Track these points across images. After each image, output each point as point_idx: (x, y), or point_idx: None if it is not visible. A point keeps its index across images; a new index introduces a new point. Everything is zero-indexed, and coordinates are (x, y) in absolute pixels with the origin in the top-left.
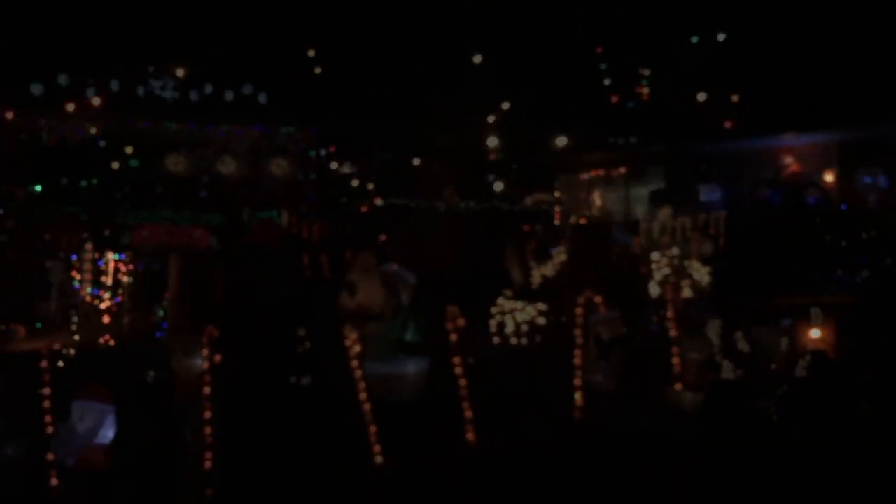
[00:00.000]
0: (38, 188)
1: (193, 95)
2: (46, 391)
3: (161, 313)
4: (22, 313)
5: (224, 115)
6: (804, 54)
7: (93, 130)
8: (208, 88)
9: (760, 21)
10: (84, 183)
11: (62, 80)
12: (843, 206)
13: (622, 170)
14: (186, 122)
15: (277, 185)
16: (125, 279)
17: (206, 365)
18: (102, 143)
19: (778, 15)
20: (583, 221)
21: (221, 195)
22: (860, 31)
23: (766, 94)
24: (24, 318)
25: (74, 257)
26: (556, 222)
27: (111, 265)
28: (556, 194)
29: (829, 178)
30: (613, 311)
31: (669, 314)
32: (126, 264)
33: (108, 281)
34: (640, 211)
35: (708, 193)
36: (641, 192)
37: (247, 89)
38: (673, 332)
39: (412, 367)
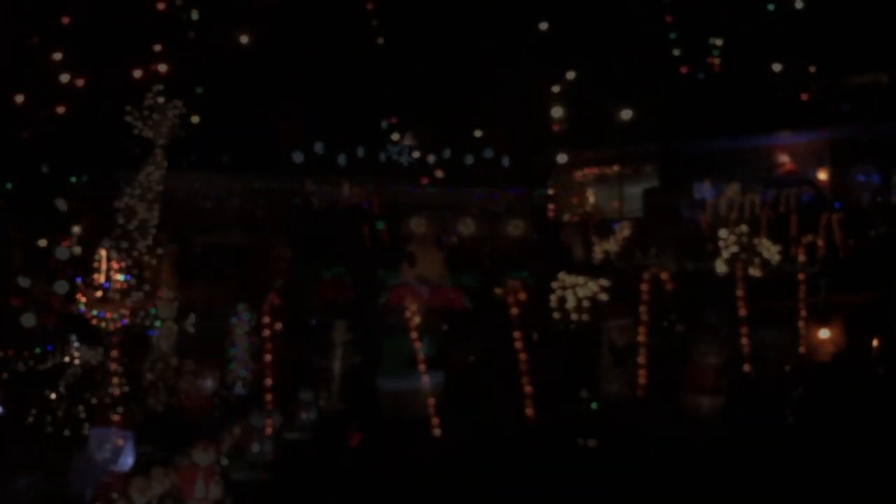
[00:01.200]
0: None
1: (431, 159)
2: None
3: (153, 312)
4: None
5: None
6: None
7: (358, 194)
8: (447, 153)
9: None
10: (345, 244)
11: (318, 148)
12: (836, 204)
13: (616, 168)
14: (445, 187)
15: (513, 245)
16: (117, 276)
17: (266, 332)
18: (367, 207)
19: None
20: (575, 219)
21: (465, 256)
22: (857, 31)
23: (760, 93)
24: None
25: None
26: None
27: (103, 263)
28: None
29: (822, 176)
30: (627, 318)
31: (739, 293)
32: (118, 261)
33: (101, 279)
34: (634, 209)
35: (702, 192)
36: (635, 190)
37: (488, 153)
38: (742, 312)
39: (427, 383)
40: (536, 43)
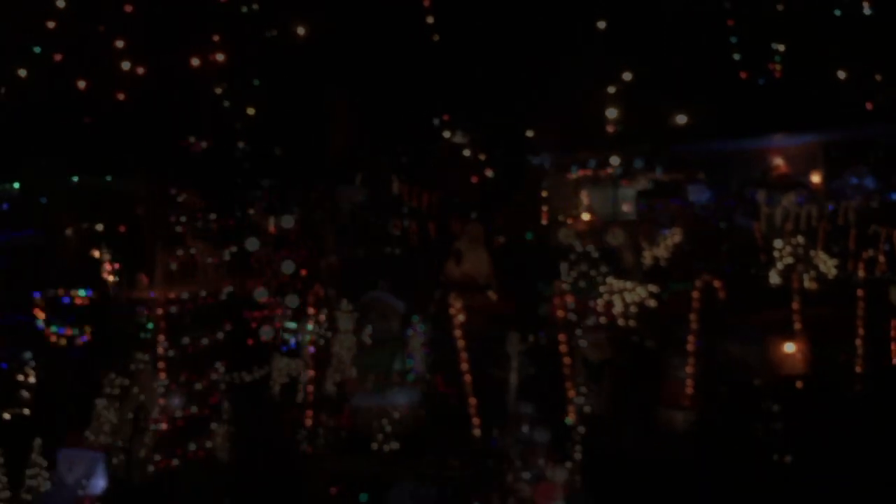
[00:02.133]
0: None
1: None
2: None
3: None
4: None
5: None
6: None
7: None
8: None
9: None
10: None
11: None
12: (829, 207)
13: (610, 170)
14: None
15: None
16: (111, 279)
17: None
18: None
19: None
20: (570, 221)
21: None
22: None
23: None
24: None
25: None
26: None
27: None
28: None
29: (815, 178)
30: (600, 333)
31: (794, 306)
32: (112, 263)
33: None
34: (627, 210)
35: (696, 194)
36: (628, 191)
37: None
38: (797, 325)
39: (403, 399)
40: (595, 42)
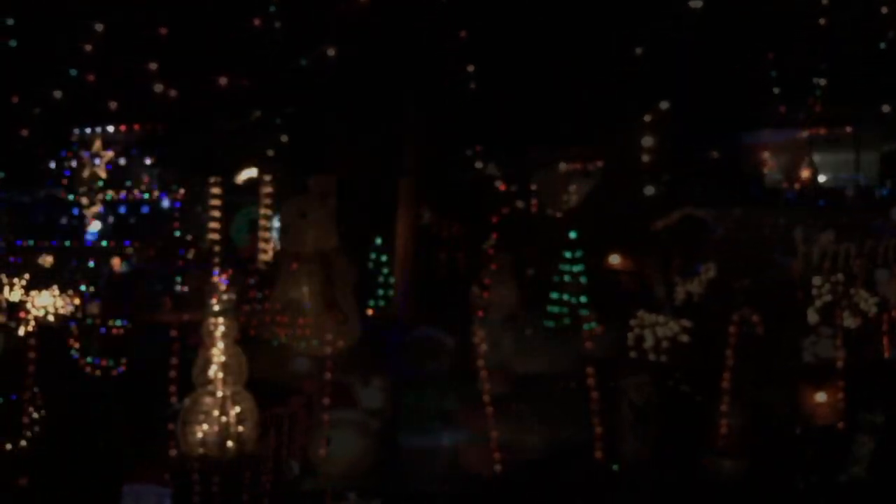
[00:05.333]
0: None
1: None
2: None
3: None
4: None
5: None
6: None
7: None
8: None
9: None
10: None
11: None
12: (820, 202)
13: (599, 163)
14: None
15: None
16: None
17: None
18: None
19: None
20: (559, 215)
21: None
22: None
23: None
24: None
25: None
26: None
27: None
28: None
29: (805, 174)
30: (643, 375)
31: (838, 342)
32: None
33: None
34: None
35: None
36: None
37: None
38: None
39: (447, 440)
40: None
